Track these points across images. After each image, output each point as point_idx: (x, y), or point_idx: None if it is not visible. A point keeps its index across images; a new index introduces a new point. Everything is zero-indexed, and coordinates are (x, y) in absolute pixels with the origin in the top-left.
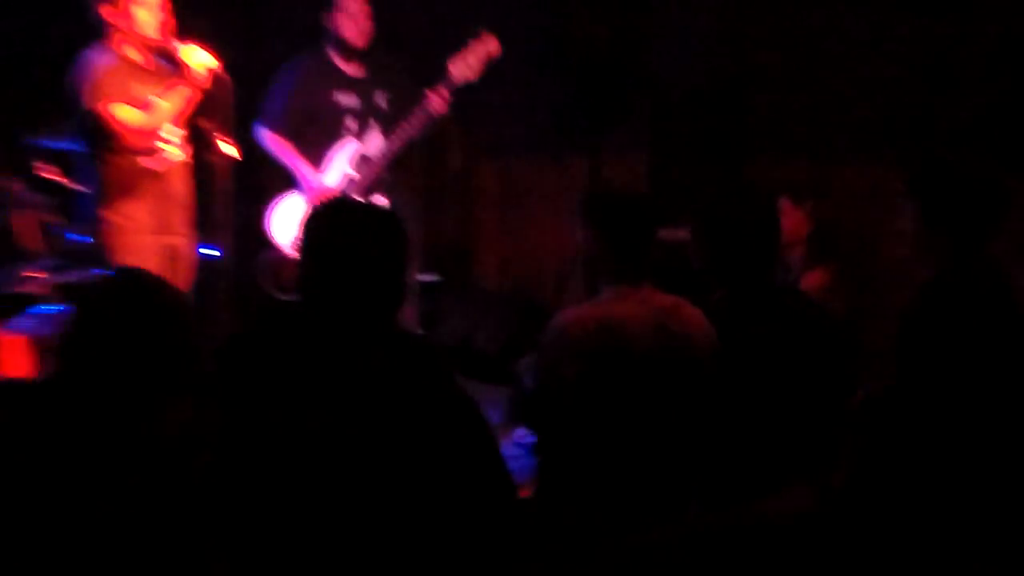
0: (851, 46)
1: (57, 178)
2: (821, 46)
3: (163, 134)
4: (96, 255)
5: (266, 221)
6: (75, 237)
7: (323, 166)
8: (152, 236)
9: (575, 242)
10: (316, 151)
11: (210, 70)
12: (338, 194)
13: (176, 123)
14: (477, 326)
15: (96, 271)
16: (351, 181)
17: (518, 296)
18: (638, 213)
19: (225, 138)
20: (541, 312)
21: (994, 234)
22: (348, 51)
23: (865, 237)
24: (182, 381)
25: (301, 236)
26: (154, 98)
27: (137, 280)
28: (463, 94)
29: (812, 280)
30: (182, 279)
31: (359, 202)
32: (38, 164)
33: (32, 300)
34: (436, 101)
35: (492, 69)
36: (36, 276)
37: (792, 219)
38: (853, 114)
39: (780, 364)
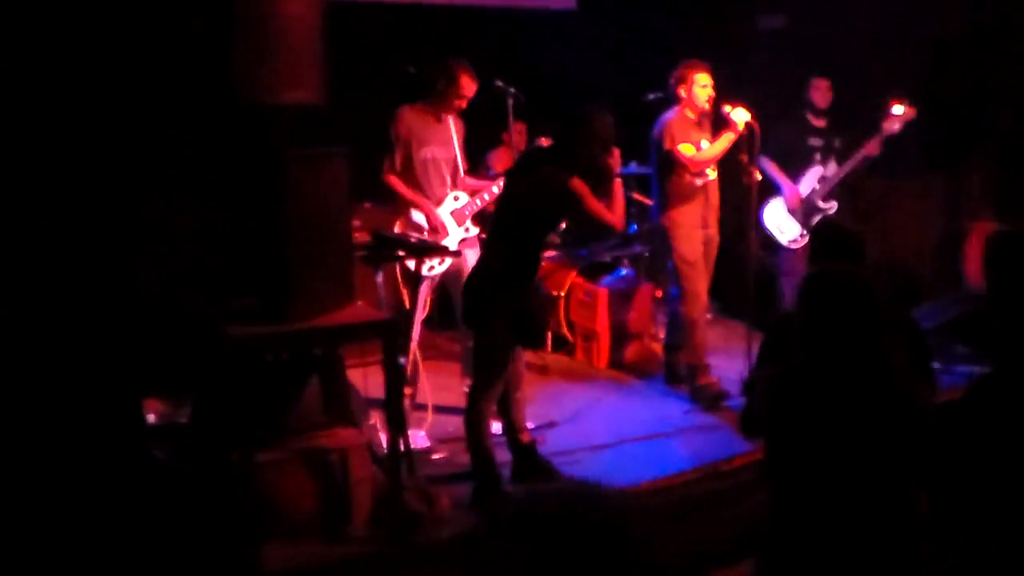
0: None
1: (637, 196)
2: None
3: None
4: (661, 240)
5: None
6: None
7: (797, 181)
8: (697, 230)
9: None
10: (792, 173)
11: (746, 123)
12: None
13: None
14: None
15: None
16: (813, 191)
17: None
18: None
19: (752, 168)
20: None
21: None
22: (816, 112)
23: None
24: None
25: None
26: (705, 142)
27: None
28: None
29: None
30: (711, 257)
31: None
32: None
33: (610, 267)
34: (873, 146)
35: None
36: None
37: None
38: None
39: None
